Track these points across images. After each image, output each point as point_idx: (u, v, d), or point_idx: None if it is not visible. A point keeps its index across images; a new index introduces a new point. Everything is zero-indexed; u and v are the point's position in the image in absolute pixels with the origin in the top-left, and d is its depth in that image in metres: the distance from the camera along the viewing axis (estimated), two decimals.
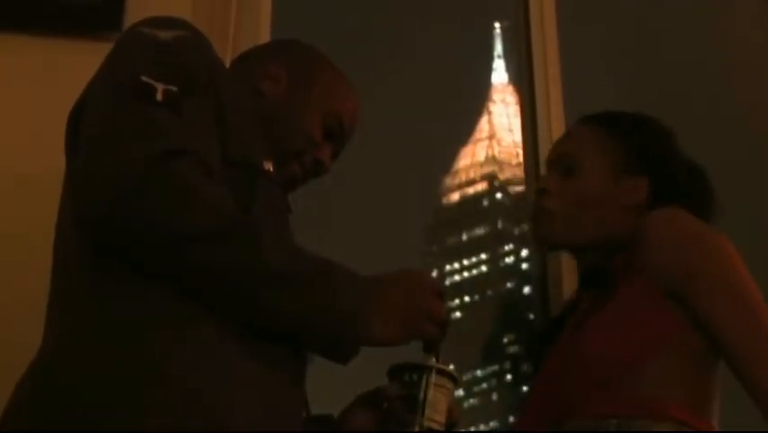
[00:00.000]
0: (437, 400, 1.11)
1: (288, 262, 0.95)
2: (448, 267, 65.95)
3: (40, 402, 0.92)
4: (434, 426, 1.11)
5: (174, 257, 0.92)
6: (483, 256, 63.08)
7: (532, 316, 2.05)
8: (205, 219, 0.92)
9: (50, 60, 1.75)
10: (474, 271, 63.97)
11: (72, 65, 1.72)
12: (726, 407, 1.25)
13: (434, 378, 1.11)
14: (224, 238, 0.92)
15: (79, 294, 0.98)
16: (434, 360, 1.12)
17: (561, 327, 1.35)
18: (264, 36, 1.97)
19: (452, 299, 61.18)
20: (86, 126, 1.00)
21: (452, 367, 1.14)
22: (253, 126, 1.13)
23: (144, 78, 0.97)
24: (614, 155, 1.34)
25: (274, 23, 2.02)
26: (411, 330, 1.04)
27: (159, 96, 0.96)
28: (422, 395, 1.10)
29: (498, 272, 60.15)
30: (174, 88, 0.98)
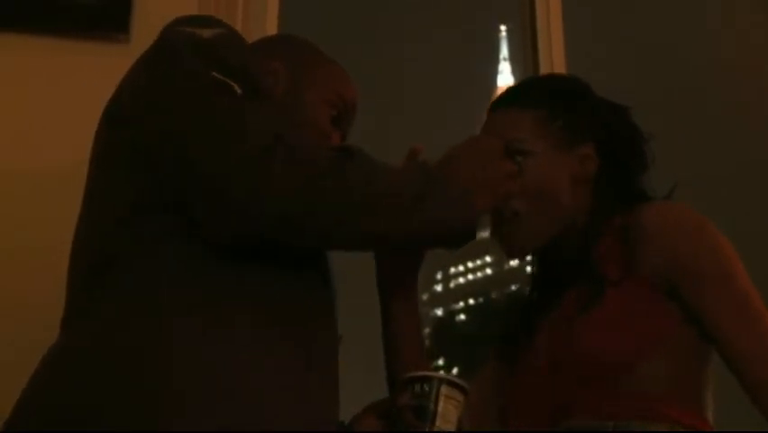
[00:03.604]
0: (448, 412, 1.11)
1: (393, 184, 1.03)
2: (452, 269, 65.83)
3: (53, 396, 0.92)
4: None
5: (321, 225, 0.99)
6: (488, 259, 62.95)
7: None
8: (331, 180, 0.98)
9: (57, 61, 1.75)
10: (479, 274, 63.83)
11: (80, 66, 1.73)
12: (726, 406, 1.24)
13: (444, 390, 1.11)
14: (343, 189, 0.98)
15: (115, 289, 0.97)
16: (442, 372, 1.12)
17: (535, 316, 1.32)
18: (272, 31, 1.97)
19: (457, 302, 61.11)
20: (180, 132, 0.99)
21: (462, 380, 1.14)
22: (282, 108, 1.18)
23: (217, 76, 1.01)
24: (556, 133, 1.28)
25: (281, 20, 2.02)
26: (496, 195, 1.12)
27: (237, 90, 1.01)
28: (432, 406, 1.10)
29: (503, 275, 60.01)
30: (241, 83, 1.02)
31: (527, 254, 1.34)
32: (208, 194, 0.98)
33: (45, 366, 0.97)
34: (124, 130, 1.05)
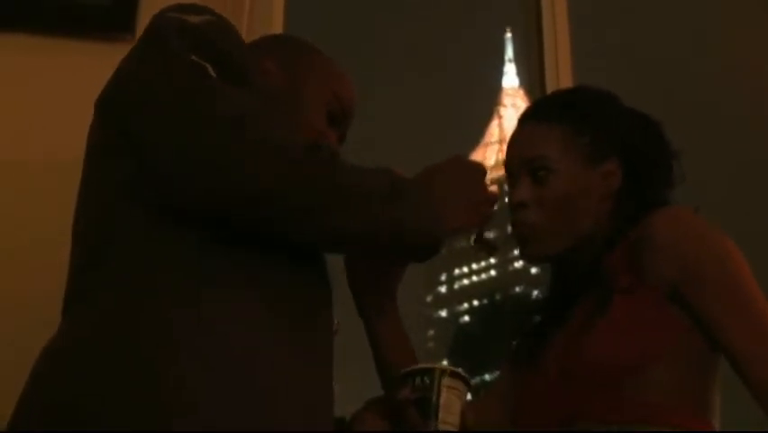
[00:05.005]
0: (451, 403, 1.10)
1: (361, 182, 1.01)
2: (457, 271, 65.83)
3: (54, 391, 0.92)
4: (449, 428, 1.10)
5: (269, 209, 0.97)
6: (492, 260, 62.96)
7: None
8: (290, 169, 0.96)
9: (62, 61, 1.75)
10: (483, 276, 63.81)
11: (86, 66, 1.73)
12: (726, 407, 1.24)
13: (446, 380, 1.11)
14: (310, 179, 0.97)
15: (111, 279, 0.97)
16: (445, 362, 1.12)
17: (550, 328, 1.32)
18: (277, 31, 1.97)
19: (461, 303, 61.12)
20: (155, 112, 1.00)
21: (462, 370, 1.14)
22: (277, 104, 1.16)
23: (193, 58, 1.01)
24: (582, 149, 1.28)
25: (286, 21, 2.02)
26: (470, 218, 1.10)
27: (211, 72, 1.00)
28: (435, 398, 1.10)
29: (507, 276, 60.00)
30: (220, 68, 1.02)
31: (542, 262, 1.35)
32: (171, 175, 0.97)
33: (46, 359, 0.97)
34: (110, 116, 1.06)
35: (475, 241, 1.19)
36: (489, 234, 1.21)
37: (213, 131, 0.95)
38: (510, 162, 1.35)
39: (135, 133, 1.01)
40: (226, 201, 0.97)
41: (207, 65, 1.01)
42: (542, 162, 1.28)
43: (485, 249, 1.22)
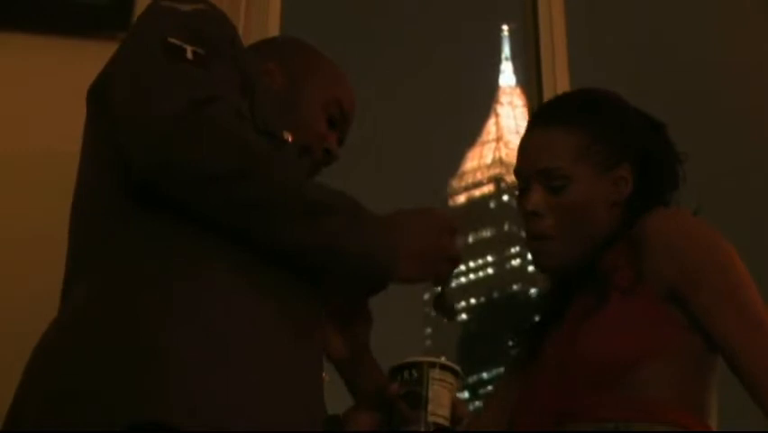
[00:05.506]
0: (440, 396, 1.11)
1: (322, 195, 0.99)
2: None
3: (51, 380, 0.93)
4: (439, 420, 1.11)
5: (216, 195, 0.95)
6: (490, 258, 62.96)
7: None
8: (244, 157, 0.95)
9: (59, 60, 1.76)
10: (481, 274, 63.80)
11: (82, 65, 1.73)
12: (726, 407, 1.25)
13: (434, 373, 1.12)
14: (263, 174, 0.96)
15: (103, 261, 0.99)
16: (441, 357, 1.12)
17: (549, 326, 1.32)
18: (273, 32, 1.98)
19: (459, 301, 61.10)
20: (121, 85, 1.01)
21: (450, 362, 1.14)
22: (273, 101, 1.15)
23: (172, 40, 1.01)
24: (594, 156, 1.28)
25: (283, 19, 2.03)
26: (427, 270, 1.07)
27: (188, 55, 1.00)
28: (424, 391, 1.11)
29: (505, 274, 60.00)
30: (201, 51, 1.02)
31: (558, 272, 1.34)
32: (130, 149, 0.97)
33: (46, 345, 0.98)
34: (97, 104, 1.07)
35: (434, 304, 1.16)
36: (449, 300, 1.16)
37: (174, 109, 0.94)
38: (522, 169, 1.34)
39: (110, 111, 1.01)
40: (176, 180, 0.95)
41: (187, 47, 1.01)
42: (557, 172, 1.27)
43: (442, 314, 1.18)
